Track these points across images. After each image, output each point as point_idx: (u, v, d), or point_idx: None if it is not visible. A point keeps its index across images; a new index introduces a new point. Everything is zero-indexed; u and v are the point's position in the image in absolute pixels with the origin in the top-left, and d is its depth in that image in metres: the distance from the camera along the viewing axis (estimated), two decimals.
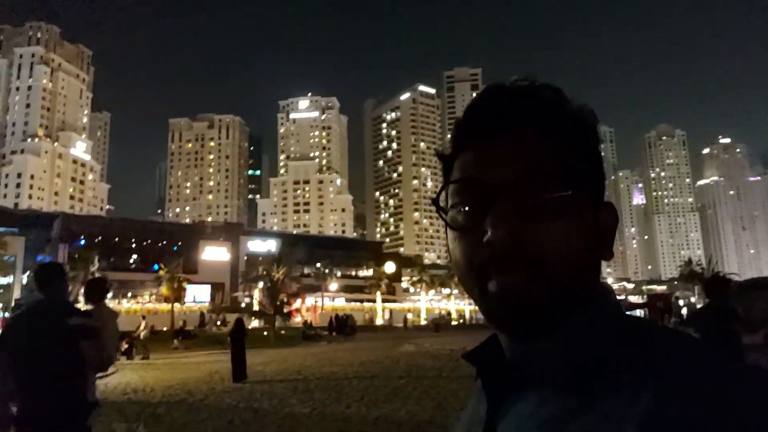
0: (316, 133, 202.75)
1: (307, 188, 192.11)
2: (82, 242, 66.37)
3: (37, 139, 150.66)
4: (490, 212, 0.57)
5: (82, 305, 4.52)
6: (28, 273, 63.20)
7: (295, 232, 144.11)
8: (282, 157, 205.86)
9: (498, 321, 0.60)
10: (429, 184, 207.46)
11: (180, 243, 75.00)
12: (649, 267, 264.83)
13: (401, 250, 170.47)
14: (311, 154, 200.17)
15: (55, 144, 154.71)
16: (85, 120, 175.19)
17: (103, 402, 11.16)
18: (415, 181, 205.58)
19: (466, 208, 0.60)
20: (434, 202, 0.65)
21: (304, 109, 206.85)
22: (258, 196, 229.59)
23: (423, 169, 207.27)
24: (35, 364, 3.54)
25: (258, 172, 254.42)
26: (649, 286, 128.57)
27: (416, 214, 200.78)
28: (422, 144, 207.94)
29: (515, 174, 0.58)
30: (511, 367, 0.61)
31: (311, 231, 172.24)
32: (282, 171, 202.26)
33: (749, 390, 0.45)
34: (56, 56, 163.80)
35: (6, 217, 70.24)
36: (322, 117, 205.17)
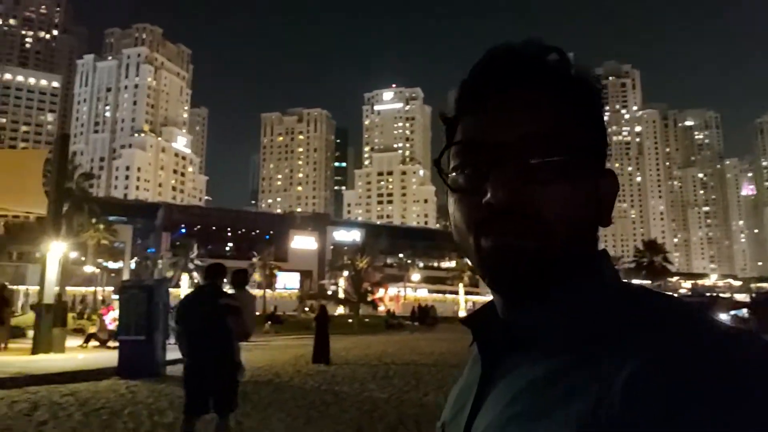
0: (400, 124, 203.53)
1: (390, 179, 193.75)
2: (183, 230, 71.02)
3: (143, 134, 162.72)
4: (491, 174, 0.57)
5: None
6: (135, 258, 68.71)
7: (378, 222, 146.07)
8: (366, 148, 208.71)
9: (493, 278, 0.60)
10: None
11: (271, 232, 78.49)
12: (759, 263, 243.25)
13: None
14: (395, 146, 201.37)
15: (159, 138, 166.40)
16: (185, 115, 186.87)
17: None
18: None
19: (468, 170, 0.60)
20: (436, 164, 0.64)
21: (388, 100, 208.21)
22: (344, 187, 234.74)
23: None
24: (199, 331, 5.08)
25: (344, 164, 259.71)
26: (759, 284, 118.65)
27: None
28: None
29: (518, 136, 0.57)
30: (505, 329, 0.61)
31: (394, 222, 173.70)
32: (366, 162, 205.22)
33: (739, 365, 0.44)
34: (159, 56, 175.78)
35: (117, 207, 76.53)
36: (406, 108, 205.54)
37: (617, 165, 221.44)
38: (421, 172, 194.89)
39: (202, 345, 5.07)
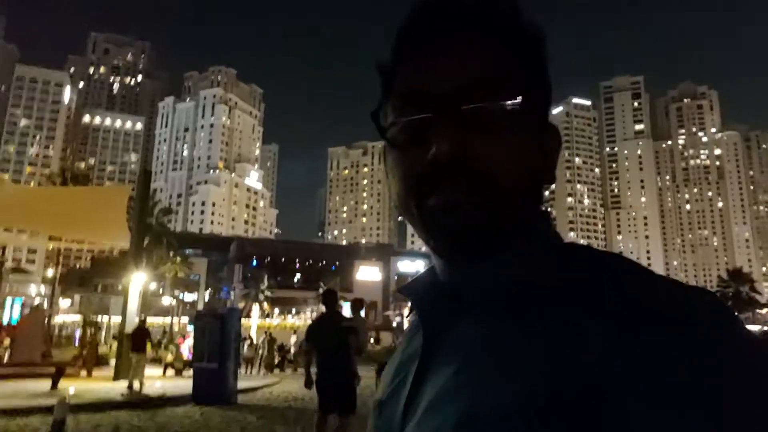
0: None
1: None
2: (254, 263, 73.28)
3: (217, 171, 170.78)
4: (434, 125, 0.52)
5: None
6: (209, 290, 71.36)
7: None
8: None
9: (436, 240, 0.55)
10: (586, 201, 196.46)
11: (337, 263, 79.57)
12: None
13: None
14: None
15: (232, 174, 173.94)
16: (256, 152, 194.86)
17: (267, 408, 12.22)
18: (570, 199, 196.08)
19: (408, 123, 0.55)
20: (373, 117, 0.58)
21: None
22: None
23: (578, 185, 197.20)
24: (327, 348, 6.36)
25: None
26: None
27: (572, 233, 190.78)
28: (577, 159, 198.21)
29: (462, 83, 0.53)
30: (447, 294, 0.56)
31: None
32: None
33: (685, 328, 0.43)
34: (233, 96, 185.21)
35: (193, 241, 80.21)
36: None
37: (695, 190, 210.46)
38: None
39: (329, 359, 6.34)
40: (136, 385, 12.95)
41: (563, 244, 0.56)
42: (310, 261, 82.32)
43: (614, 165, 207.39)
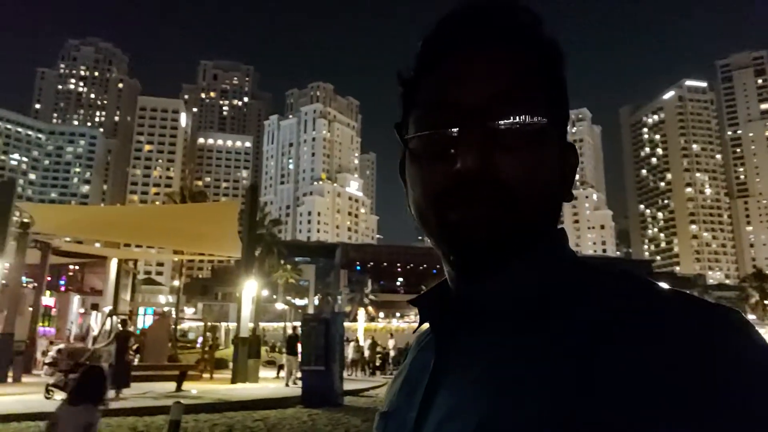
0: None
1: None
2: (358, 268, 75.01)
3: (321, 182, 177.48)
4: (460, 138, 0.52)
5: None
6: (317, 295, 74.02)
7: None
8: None
9: (454, 253, 0.56)
10: (708, 191, 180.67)
11: (438, 266, 79.00)
12: None
13: (677, 269, 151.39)
14: None
15: (335, 184, 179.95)
16: (356, 162, 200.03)
17: (372, 410, 12.38)
18: (689, 189, 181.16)
19: (432, 135, 0.55)
20: (396, 129, 0.59)
21: None
22: None
23: (698, 174, 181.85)
24: None
25: None
26: None
27: (693, 227, 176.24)
28: (695, 146, 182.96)
29: (489, 96, 0.53)
30: (460, 307, 0.57)
31: None
32: None
33: (687, 339, 0.43)
34: (332, 110, 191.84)
35: (301, 249, 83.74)
36: (573, 130, 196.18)
37: None
38: (595, 196, 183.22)
39: None
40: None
41: (578, 260, 0.57)
42: (411, 264, 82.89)
43: (738, 150, 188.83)
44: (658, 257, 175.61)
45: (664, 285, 0.50)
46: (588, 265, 0.55)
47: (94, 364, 6.39)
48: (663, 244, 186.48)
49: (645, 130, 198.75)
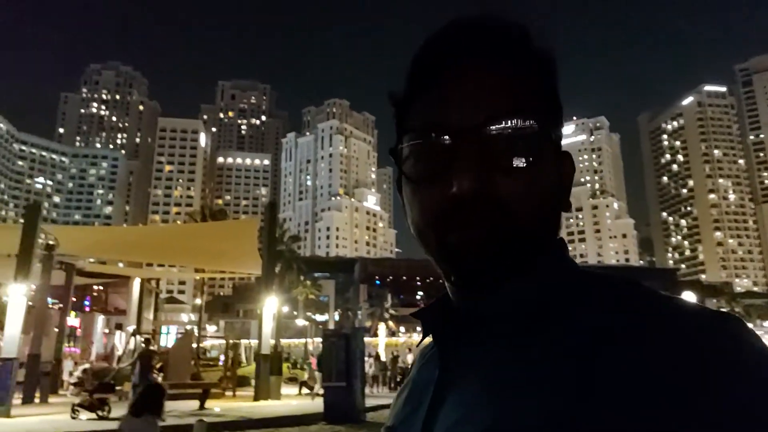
0: (585, 156, 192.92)
1: (580, 216, 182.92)
2: (378, 282, 74.79)
3: (339, 197, 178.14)
4: (456, 160, 0.52)
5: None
6: (338, 310, 73.96)
7: None
8: None
9: (454, 273, 0.56)
10: (732, 196, 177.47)
11: None
12: None
13: (702, 277, 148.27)
14: (581, 179, 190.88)
15: (352, 199, 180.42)
16: (373, 176, 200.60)
17: None
18: (713, 195, 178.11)
19: (427, 157, 0.54)
20: (391, 153, 0.58)
21: (570, 134, 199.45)
22: None
23: (721, 180, 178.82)
24: None
25: None
26: None
27: (718, 233, 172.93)
28: (716, 151, 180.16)
29: (484, 118, 0.52)
30: (463, 321, 0.58)
31: (589, 261, 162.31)
32: None
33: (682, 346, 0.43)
34: (348, 126, 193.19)
35: (321, 265, 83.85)
36: (591, 139, 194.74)
37: None
38: (616, 205, 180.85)
39: None
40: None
41: (580, 270, 0.57)
42: (431, 278, 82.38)
43: (762, 154, 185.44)
44: (683, 265, 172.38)
45: (664, 292, 0.51)
46: (588, 273, 0.56)
47: (156, 382, 6.68)
48: (687, 252, 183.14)
49: (665, 136, 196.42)
